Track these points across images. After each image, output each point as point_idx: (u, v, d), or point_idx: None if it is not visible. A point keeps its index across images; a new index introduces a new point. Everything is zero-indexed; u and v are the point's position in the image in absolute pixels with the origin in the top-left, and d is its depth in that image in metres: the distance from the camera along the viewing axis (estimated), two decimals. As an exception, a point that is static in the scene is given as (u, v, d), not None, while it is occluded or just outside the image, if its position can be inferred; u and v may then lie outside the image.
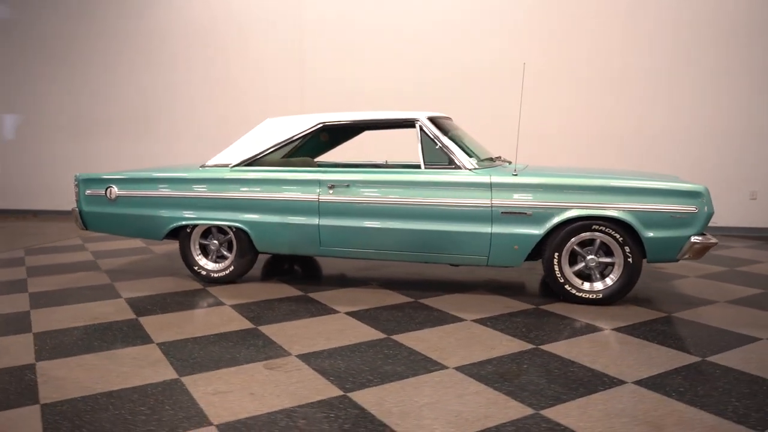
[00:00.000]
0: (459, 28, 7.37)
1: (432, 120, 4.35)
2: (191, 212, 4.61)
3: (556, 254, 3.99)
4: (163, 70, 8.57)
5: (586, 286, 4.02)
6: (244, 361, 3.08)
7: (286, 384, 2.79)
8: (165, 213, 4.66)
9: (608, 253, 3.98)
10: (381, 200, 4.22)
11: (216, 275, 4.69)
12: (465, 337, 3.42)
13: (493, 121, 6.61)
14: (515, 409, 2.51)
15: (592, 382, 2.79)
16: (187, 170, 4.77)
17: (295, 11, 7.91)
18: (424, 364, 3.02)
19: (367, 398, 2.63)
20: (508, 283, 4.71)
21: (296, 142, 4.98)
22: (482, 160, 4.42)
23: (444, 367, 2.97)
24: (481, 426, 2.37)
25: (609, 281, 3.98)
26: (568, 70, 7.05)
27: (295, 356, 3.15)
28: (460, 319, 3.75)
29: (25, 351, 3.27)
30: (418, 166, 4.26)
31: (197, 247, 4.74)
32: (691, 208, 3.77)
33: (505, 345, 3.29)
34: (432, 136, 4.24)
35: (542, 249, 4.04)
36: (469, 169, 4.13)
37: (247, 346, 3.30)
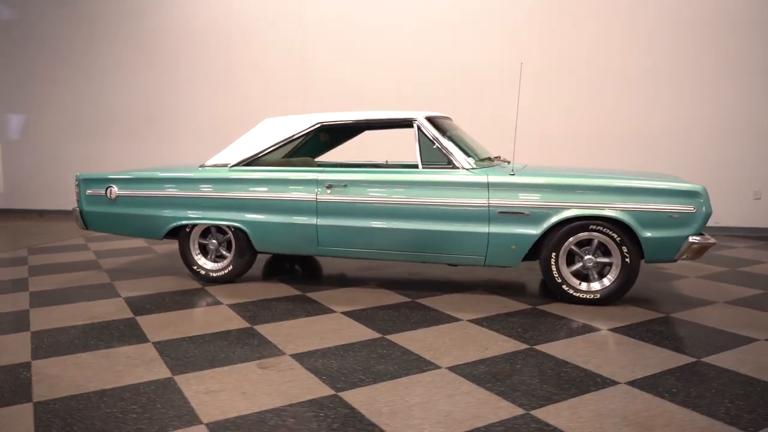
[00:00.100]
0: (459, 28, 7.36)
1: (430, 120, 4.34)
2: (190, 212, 4.62)
3: (554, 254, 3.97)
4: (165, 71, 8.60)
5: (584, 286, 4.00)
6: (238, 361, 3.09)
7: (278, 383, 2.80)
8: (164, 213, 4.68)
9: (606, 253, 3.96)
10: (378, 200, 4.22)
11: (215, 275, 4.70)
12: (460, 337, 3.41)
13: (493, 120, 6.59)
14: (505, 410, 2.50)
15: (584, 382, 2.78)
16: (186, 170, 4.78)
17: (297, 11, 7.93)
18: (417, 364, 3.01)
19: (357, 398, 2.63)
20: (507, 283, 4.70)
21: (295, 142, 5.01)
22: (480, 160, 4.42)
23: (437, 367, 2.97)
24: (470, 426, 2.37)
25: (606, 281, 3.96)
26: (568, 70, 7.02)
27: (289, 356, 3.15)
28: (456, 319, 3.74)
29: (22, 349, 3.29)
30: (416, 166, 4.26)
31: (196, 246, 4.76)
32: (689, 208, 3.74)
33: (500, 345, 3.28)
34: (429, 136, 4.24)
35: (540, 249, 4.03)
36: (467, 169, 4.13)
37: (242, 346, 3.31)
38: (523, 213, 3.96)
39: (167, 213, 4.67)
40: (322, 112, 4.79)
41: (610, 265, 3.96)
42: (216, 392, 2.71)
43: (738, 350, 3.17)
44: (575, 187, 3.90)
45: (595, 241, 3.94)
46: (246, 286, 4.64)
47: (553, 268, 3.99)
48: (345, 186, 4.30)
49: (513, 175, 4.03)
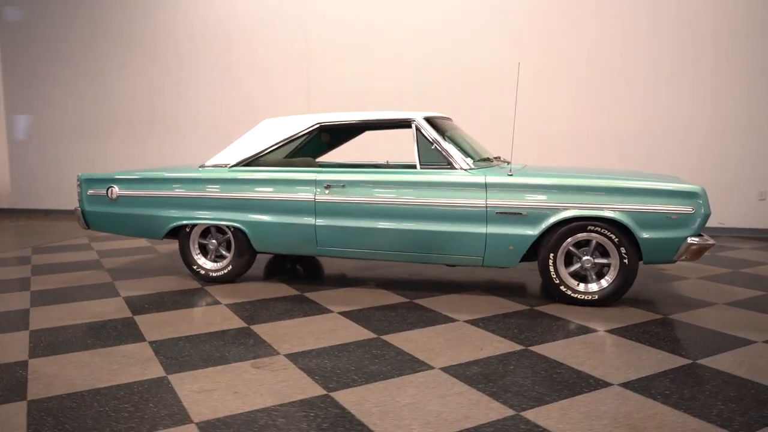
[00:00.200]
0: (460, 28, 7.35)
1: (428, 120, 4.34)
2: (190, 212, 4.65)
3: (551, 255, 3.96)
4: (167, 71, 8.65)
5: (582, 287, 3.99)
6: (233, 360, 3.10)
7: (270, 383, 2.81)
8: (164, 213, 4.70)
9: (604, 254, 3.94)
10: (377, 200, 4.22)
11: (214, 274, 4.72)
12: (455, 338, 3.41)
13: (493, 120, 6.58)
14: (496, 411, 2.50)
15: (577, 383, 2.76)
16: (186, 170, 4.81)
17: (299, 12, 7.94)
18: (411, 365, 3.01)
19: (348, 398, 2.63)
20: (507, 284, 4.68)
21: (295, 143, 5.03)
22: (479, 160, 4.41)
23: (430, 368, 2.97)
24: (459, 427, 2.36)
25: (604, 283, 3.94)
26: (568, 70, 7.00)
27: (284, 355, 3.16)
28: (453, 320, 3.74)
29: (20, 348, 3.32)
30: (416, 167, 4.26)
31: (196, 246, 4.78)
32: (688, 209, 3.72)
33: (495, 346, 3.27)
34: (427, 137, 4.24)
35: (538, 250, 4.02)
36: (465, 169, 4.12)
37: (237, 345, 3.33)
38: (520, 214, 3.95)
39: (167, 213, 4.69)
40: (327, 112, 4.79)
41: (609, 266, 3.95)
42: (209, 391, 2.72)
43: (734, 352, 3.15)
44: (573, 187, 3.89)
45: (594, 242, 3.92)
46: (245, 285, 4.66)
47: (551, 268, 3.98)
48: (343, 186, 4.30)
49: (511, 175, 4.02)
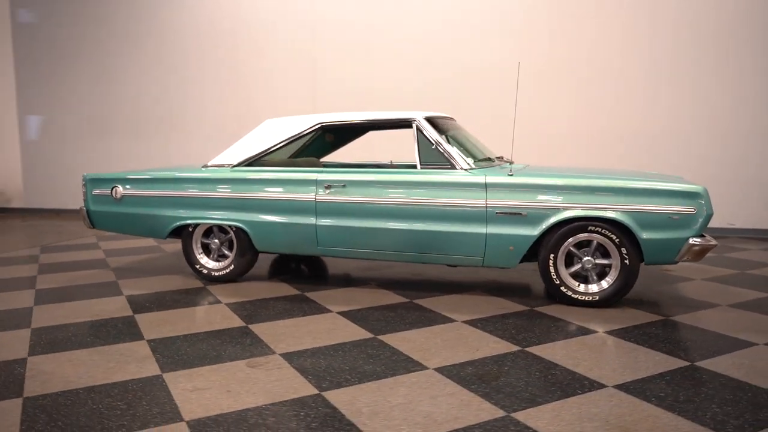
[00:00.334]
0: (461, 28, 7.35)
1: (429, 120, 4.33)
2: (193, 211, 4.67)
3: (552, 255, 3.93)
4: (174, 70, 8.70)
5: (582, 288, 3.96)
6: (228, 359, 3.11)
7: (264, 382, 2.82)
8: (168, 212, 4.74)
9: (606, 254, 3.91)
10: (377, 200, 4.22)
11: (217, 274, 4.75)
12: (452, 338, 3.39)
13: (493, 120, 6.54)
14: (487, 411, 2.48)
15: (571, 385, 2.74)
16: (188, 170, 4.84)
17: (304, 11, 7.96)
18: (405, 365, 3.01)
19: (340, 398, 2.63)
20: (510, 284, 4.66)
21: (297, 142, 5.03)
22: (480, 160, 4.39)
23: (424, 368, 2.96)
24: (448, 427, 2.35)
25: (605, 283, 3.91)
26: (568, 70, 6.96)
27: (279, 355, 3.17)
28: (451, 320, 3.73)
29: (20, 345, 3.36)
30: (416, 167, 4.26)
31: (199, 245, 4.81)
32: (689, 209, 3.68)
33: (491, 346, 3.26)
34: (428, 136, 4.23)
35: (539, 250, 4.00)
36: (465, 169, 4.11)
37: (234, 344, 3.34)
38: (520, 214, 3.93)
39: (170, 212, 4.72)
40: (332, 112, 4.80)
41: (610, 266, 3.91)
42: (202, 390, 2.73)
43: (734, 354, 3.11)
44: (573, 187, 3.86)
45: (594, 243, 3.89)
46: (247, 285, 4.67)
47: (551, 269, 3.95)
48: (343, 186, 4.31)
49: (511, 175, 4.00)
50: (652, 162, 6.53)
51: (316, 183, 4.37)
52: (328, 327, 3.63)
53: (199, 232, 4.78)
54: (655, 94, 6.73)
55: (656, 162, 6.54)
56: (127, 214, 4.87)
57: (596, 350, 3.20)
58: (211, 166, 4.77)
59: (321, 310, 3.99)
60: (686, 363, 3.00)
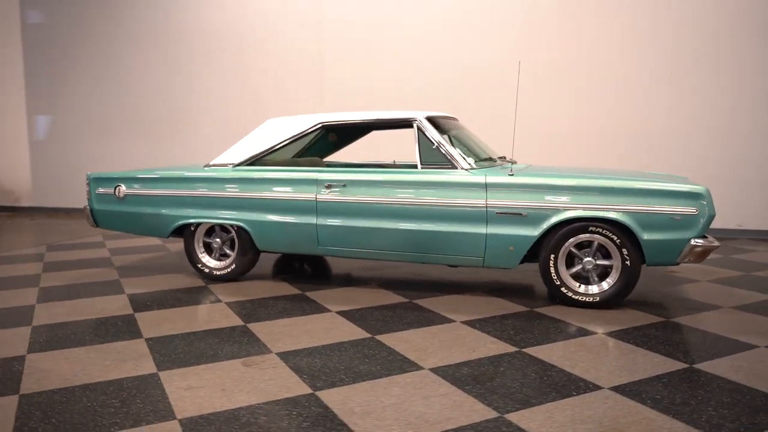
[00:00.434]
0: (461, 28, 7.33)
1: (430, 120, 4.32)
2: (195, 211, 4.69)
3: (552, 256, 3.91)
4: (180, 71, 8.74)
5: (582, 288, 3.93)
6: (224, 358, 3.12)
7: (258, 381, 2.82)
8: (170, 211, 4.75)
9: (607, 255, 3.88)
10: (377, 200, 4.22)
11: (218, 273, 4.76)
12: (449, 339, 3.38)
13: (496, 121, 6.52)
14: (479, 412, 2.47)
15: (566, 386, 2.72)
16: (191, 170, 4.86)
17: (311, 12, 7.97)
18: (400, 365, 3.00)
19: (333, 397, 2.63)
20: (511, 285, 4.64)
21: (299, 142, 5.03)
22: (481, 160, 4.38)
23: (419, 368, 2.95)
24: (440, 428, 2.34)
25: (605, 285, 3.88)
26: (568, 70, 6.92)
27: (275, 354, 3.17)
28: (449, 321, 3.71)
29: (20, 343, 3.38)
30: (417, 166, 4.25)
31: (201, 245, 4.82)
32: (691, 210, 3.64)
33: (488, 347, 3.24)
34: (429, 136, 4.21)
35: (539, 250, 3.97)
36: (465, 169, 4.09)
37: (231, 343, 3.34)
38: (520, 214, 3.90)
39: (172, 212, 4.74)
40: (338, 112, 4.80)
41: (611, 267, 3.88)
42: (196, 389, 2.74)
43: (734, 357, 3.07)
44: (573, 188, 3.83)
45: (595, 243, 3.86)
46: (249, 284, 4.68)
47: (552, 270, 3.92)
48: (344, 186, 4.30)
49: (511, 175, 3.98)
50: (652, 162, 6.48)
51: (316, 183, 4.37)
52: (327, 326, 3.63)
53: (201, 231, 4.79)
54: (655, 94, 6.68)
55: (656, 162, 6.48)
56: (130, 213, 4.90)
57: (594, 351, 3.18)
58: (212, 166, 4.79)
59: (320, 309, 3.99)
60: (684, 365, 2.97)
